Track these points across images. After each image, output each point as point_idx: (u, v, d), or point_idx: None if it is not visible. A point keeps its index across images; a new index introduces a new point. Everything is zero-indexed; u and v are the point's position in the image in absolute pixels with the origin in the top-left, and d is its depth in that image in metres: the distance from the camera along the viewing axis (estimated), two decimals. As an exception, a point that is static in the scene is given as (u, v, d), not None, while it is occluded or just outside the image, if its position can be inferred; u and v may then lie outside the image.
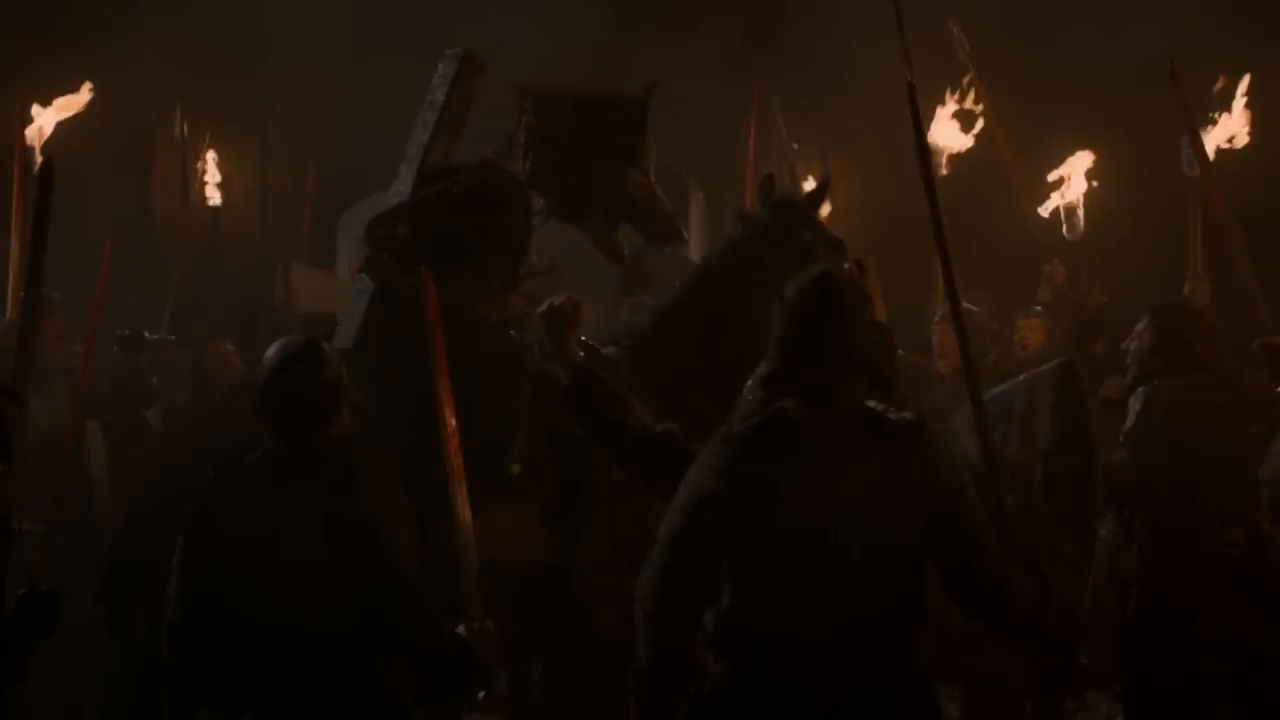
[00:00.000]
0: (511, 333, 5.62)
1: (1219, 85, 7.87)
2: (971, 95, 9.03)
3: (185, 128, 10.23)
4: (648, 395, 4.66)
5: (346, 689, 4.11)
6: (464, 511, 4.82)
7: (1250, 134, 7.87)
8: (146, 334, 8.16)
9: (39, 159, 8.24)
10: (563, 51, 9.66)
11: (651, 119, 5.95)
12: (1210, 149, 7.36)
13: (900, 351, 4.79)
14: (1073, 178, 8.57)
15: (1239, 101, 7.83)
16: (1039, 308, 8.28)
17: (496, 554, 4.96)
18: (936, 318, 8.00)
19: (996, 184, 9.22)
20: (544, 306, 4.68)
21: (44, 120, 8.74)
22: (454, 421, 4.93)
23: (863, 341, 3.83)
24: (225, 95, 11.34)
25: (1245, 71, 7.85)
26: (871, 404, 3.82)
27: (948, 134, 9.04)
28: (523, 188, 5.88)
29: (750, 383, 4.16)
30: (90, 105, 9.04)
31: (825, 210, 6.05)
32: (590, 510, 5.42)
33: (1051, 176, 8.69)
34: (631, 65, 8.12)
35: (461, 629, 4.48)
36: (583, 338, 4.78)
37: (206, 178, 10.85)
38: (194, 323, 9.32)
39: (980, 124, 9.09)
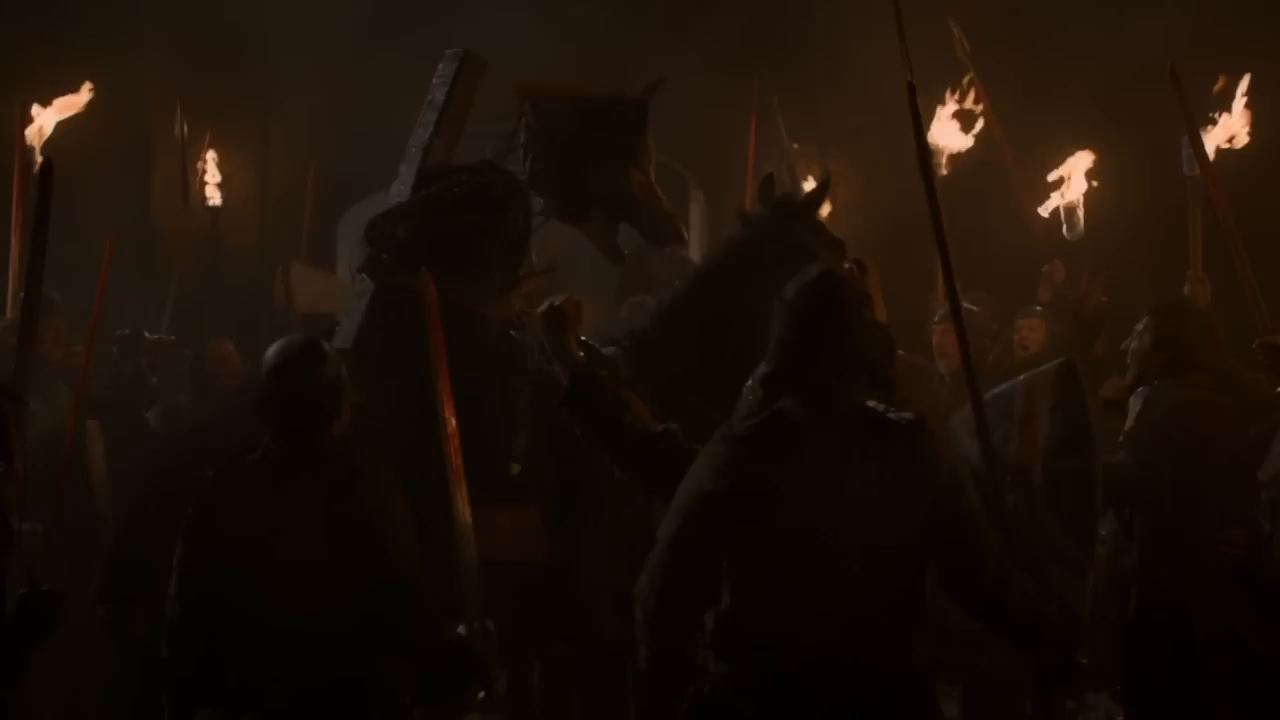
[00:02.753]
0: (511, 333, 5.62)
1: (1219, 85, 7.86)
2: (971, 95, 9.03)
3: (185, 128, 10.25)
4: (648, 395, 4.67)
5: (346, 689, 4.11)
6: (464, 511, 4.82)
7: (1250, 134, 7.86)
8: (146, 334, 8.16)
9: (39, 159, 8.25)
10: (563, 51, 9.67)
11: (651, 119, 5.95)
12: (1210, 149, 7.35)
13: (900, 351, 4.79)
14: (1073, 178, 8.57)
15: (1239, 101, 7.83)
16: (1039, 308, 8.28)
17: (496, 554, 4.97)
18: (936, 318, 8.00)
19: (996, 184, 9.23)
20: (544, 306, 4.68)
21: (44, 120, 8.75)
22: (454, 421, 4.93)
23: (863, 341, 3.83)
24: (225, 95, 11.36)
25: (1245, 71, 7.85)
26: (871, 404, 3.82)
27: (948, 134, 9.05)
28: (523, 188, 5.88)
29: (750, 383, 4.16)
30: (90, 105, 9.05)
31: (825, 210, 6.06)
32: (590, 510, 5.42)
33: (1051, 176, 8.69)
34: (631, 65, 8.12)
35: (461, 629, 4.48)
36: (583, 338, 4.78)
37: (206, 178, 10.87)
38: (194, 323, 9.33)
39: (980, 124, 9.09)
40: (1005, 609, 3.84)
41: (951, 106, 9.03)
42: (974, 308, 7.55)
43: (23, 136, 8.58)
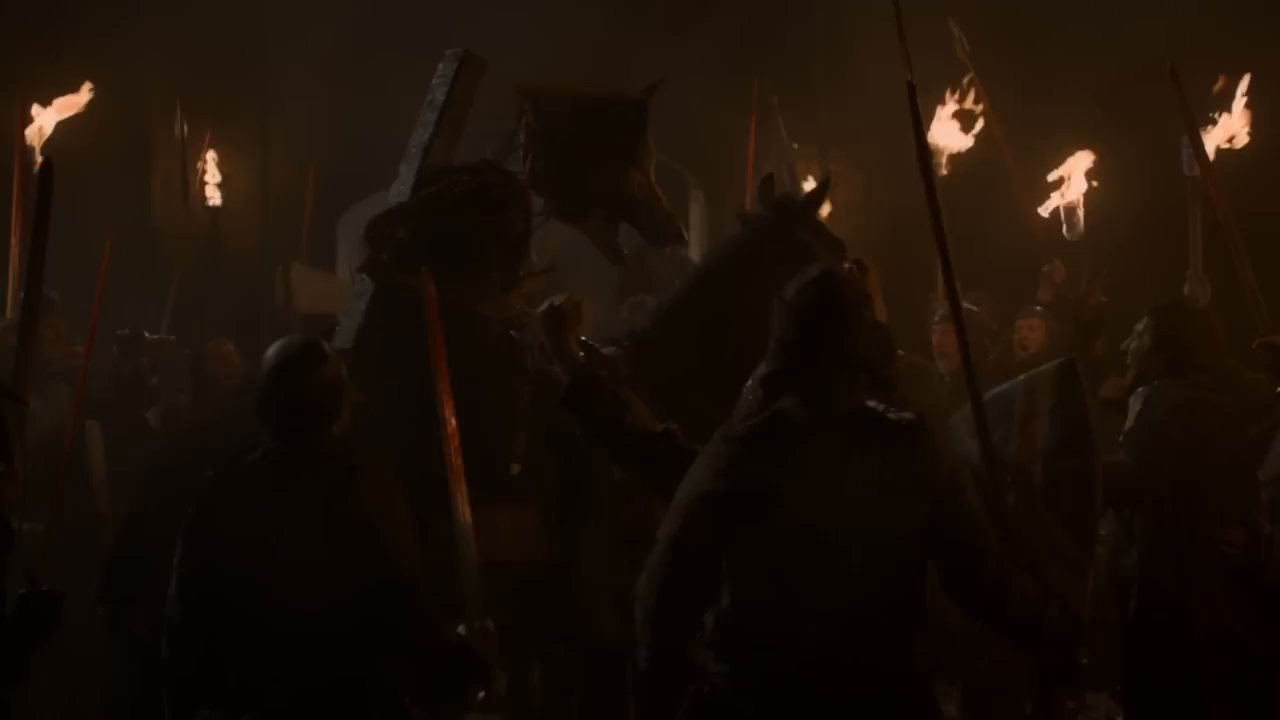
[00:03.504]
0: (511, 333, 5.62)
1: (1219, 85, 7.86)
2: (971, 95, 9.03)
3: (185, 128, 10.25)
4: (648, 395, 4.66)
5: (346, 689, 4.11)
6: (464, 511, 4.82)
7: (1250, 134, 7.86)
8: (146, 334, 8.17)
9: (39, 159, 8.25)
10: (563, 51, 9.67)
11: (651, 119, 5.95)
12: (1210, 149, 7.35)
13: (900, 351, 4.79)
14: (1073, 178, 8.57)
15: (1239, 101, 7.82)
16: (1039, 308, 8.28)
17: (496, 554, 4.97)
18: (936, 318, 8.00)
19: (996, 184, 9.23)
20: (544, 306, 4.68)
21: (44, 120, 8.76)
22: (454, 421, 4.93)
23: (863, 341, 3.83)
24: (225, 95, 11.36)
25: (1245, 71, 7.85)
26: (871, 404, 3.83)
27: (948, 134, 9.05)
28: (523, 188, 5.88)
29: (750, 383, 4.16)
30: (90, 105, 9.05)
31: (825, 210, 6.06)
32: (590, 510, 5.42)
33: (1051, 176, 8.69)
34: (631, 65, 8.13)
35: (461, 629, 4.48)
36: (583, 338, 4.78)
37: (206, 178, 10.87)
38: (194, 323, 9.33)
39: (980, 124, 9.09)
40: (1005, 609, 3.84)
41: (951, 106, 9.03)
42: (974, 308, 7.55)
43: (23, 136, 8.59)
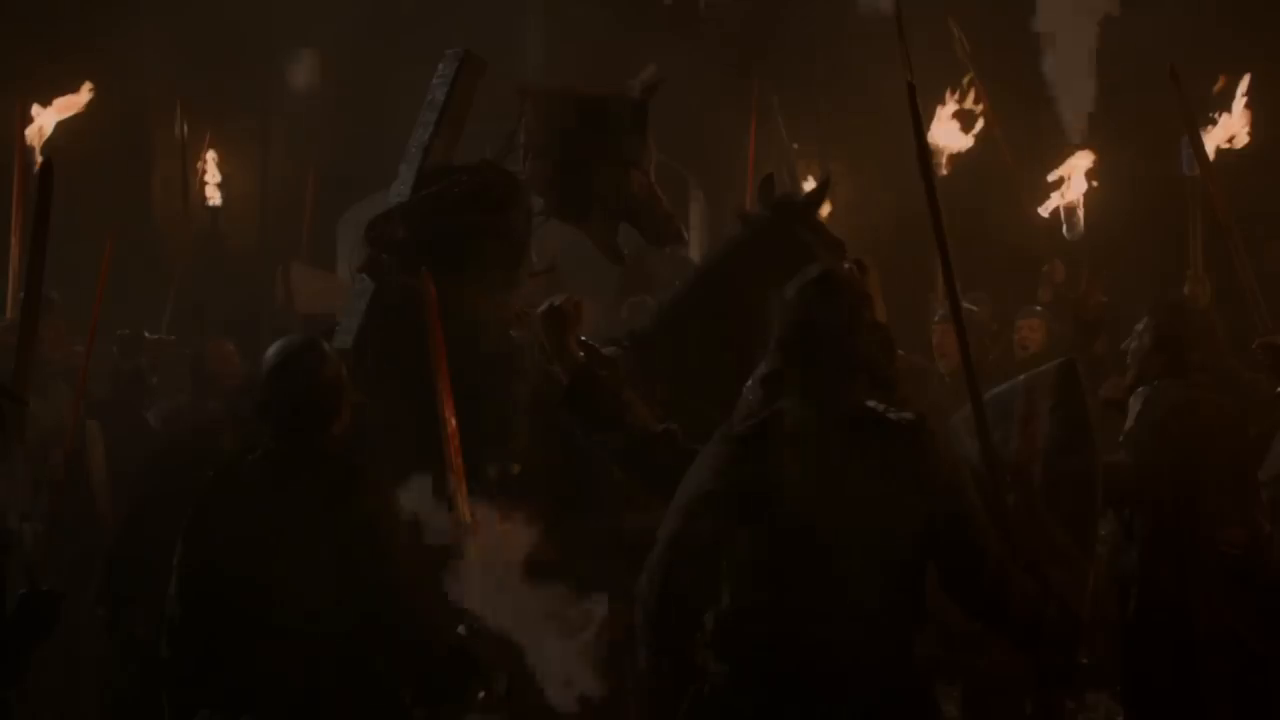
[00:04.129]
0: (511, 333, 5.62)
1: (1219, 85, 7.87)
2: (971, 95, 9.04)
3: (185, 128, 10.26)
4: (648, 395, 4.66)
5: (346, 689, 4.11)
6: (464, 511, 4.82)
7: (1250, 134, 7.87)
8: (146, 334, 8.17)
9: (39, 159, 8.26)
10: (563, 51, 9.69)
11: (651, 119, 5.95)
12: (1210, 149, 7.35)
13: (900, 351, 4.79)
14: (1073, 178, 8.57)
15: (1239, 101, 7.83)
16: (1039, 308, 8.29)
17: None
18: (936, 318, 8.00)
19: (996, 184, 9.24)
20: (544, 306, 4.68)
21: (44, 120, 8.77)
22: (454, 421, 4.93)
23: (863, 341, 3.83)
24: (225, 95, 11.37)
25: (1245, 71, 7.86)
26: (871, 404, 3.82)
27: (948, 134, 9.05)
28: (523, 188, 5.88)
29: (750, 383, 4.16)
30: (90, 105, 9.06)
31: (825, 210, 6.06)
32: (590, 510, 5.42)
33: (1051, 176, 8.70)
34: (631, 65, 8.13)
35: (461, 629, 4.48)
36: (583, 338, 4.78)
37: (206, 178, 10.89)
38: (194, 323, 9.34)
39: (980, 124, 9.10)
40: (1005, 609, 3.84)
41: (951, 106, 9.04)
42: (974, 308, 7.55)
43: (23, 136, 8.59)
